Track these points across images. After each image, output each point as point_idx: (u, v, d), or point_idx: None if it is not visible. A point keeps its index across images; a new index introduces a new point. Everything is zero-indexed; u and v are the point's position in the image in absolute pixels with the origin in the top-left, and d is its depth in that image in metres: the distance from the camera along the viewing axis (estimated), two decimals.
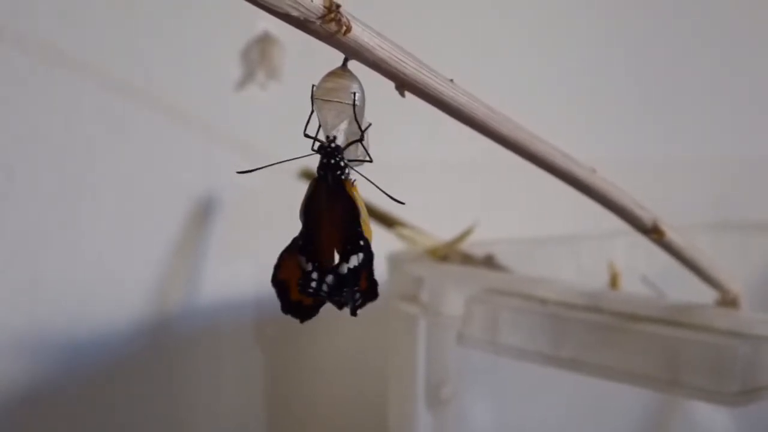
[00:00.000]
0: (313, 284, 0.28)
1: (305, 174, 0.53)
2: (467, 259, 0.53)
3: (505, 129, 0.32)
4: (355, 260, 0.28)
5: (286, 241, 0.30)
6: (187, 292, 0.62)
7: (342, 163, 0.29)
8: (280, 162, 0.31)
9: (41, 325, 0.57)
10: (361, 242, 0.28)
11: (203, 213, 0.61)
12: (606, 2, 0.80)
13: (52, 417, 0.59)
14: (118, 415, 0.60)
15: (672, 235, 0.40)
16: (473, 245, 0.54)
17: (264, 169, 0.31)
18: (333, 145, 0.28)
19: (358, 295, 0.28)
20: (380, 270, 0.52)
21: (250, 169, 0.30)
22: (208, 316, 0.62)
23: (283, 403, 0.67)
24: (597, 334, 0.42)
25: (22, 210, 0.56)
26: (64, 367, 0.58)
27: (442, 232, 0.55)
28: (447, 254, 0.53)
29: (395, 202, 0.29)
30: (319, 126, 0.29)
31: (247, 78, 0.62)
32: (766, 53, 0.90)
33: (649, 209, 0.39)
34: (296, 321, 0.30)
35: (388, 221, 0.55)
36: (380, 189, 0.29)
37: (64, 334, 0.58)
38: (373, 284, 0.29)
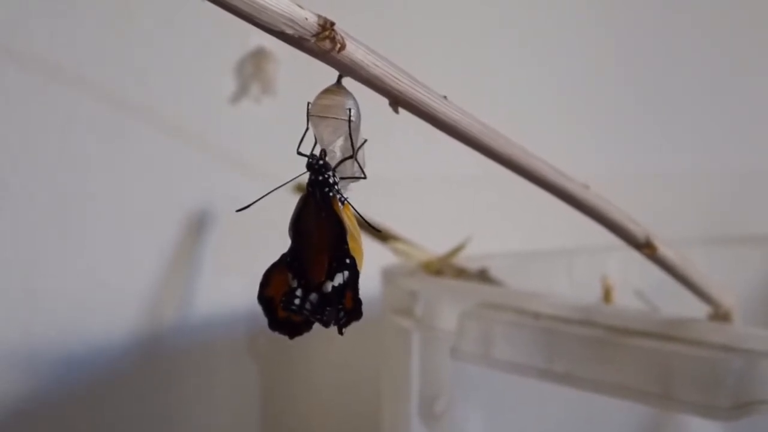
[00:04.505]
0: (296, 301, 0.28)
1: (299, 189, 0.53)
2: (461, 273, 0.53)
3: (497, 145, 0.32)
4: (340, 278, 0.28)
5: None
6: (181, 306, 0.62)
7: (331, 180, 0.28)
8: (278, 188, 0.31)
9: (35, 338, 0.57)
10: (347, 260, 0.28)
11: (197, 226, 0.61)
12: (603, 18, 0.80)
13: (45, 430, 0.58)
14: (112, 427, 0.60)
15: (664, 250, 0.40)
16: (467, 259, 0.54)
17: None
18: (321, 162, 0.28)
19: (342, 314, 0.28)
20: (374, 284, 0.53)
21: (248, 204, 0.30)
22: (201, 330, 0.62)
23: (277, 417, 0.66)
24: (590, 348, 0.42)
25: (17, 222, 0.56)
26: (58, 380, 0.58)
27: (436, 246, 0.55)
28: (441, 268, 0.53)
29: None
30: (315, 143, 0.29)
31: (241, 92, 0.62)
32: (762, 69, 0.90)
33: (641, 224, 0.39)
34: None
35: (382, 236, 0.55)
36: (358, 212, 0.29)
37: (59, 346, 0.58)
38: (358, 303, 0.28)
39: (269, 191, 0.31)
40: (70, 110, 0.57)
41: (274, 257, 0.30)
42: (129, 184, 0.59)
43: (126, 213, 0.60)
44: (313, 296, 0.28)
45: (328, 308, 0.28)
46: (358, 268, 0.28)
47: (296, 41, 0.25)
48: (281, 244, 0.29)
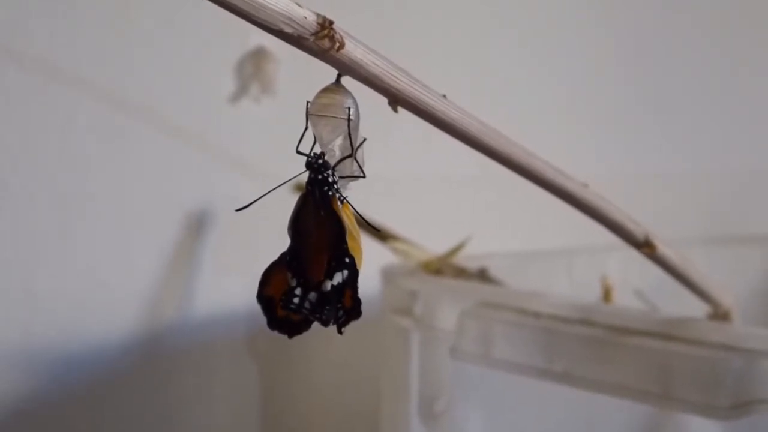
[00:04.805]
0: (296, 300, 0.28)
1: (299, 188, 0.53)
2: (461, 273, 0.53)
3: (496, 144, 0.32)
4: (339, 277, 0.28)
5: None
6: (181, 306, 0.62)
7: (330, 179, 0.28)
8: (277, 187, 0.31)
9: (35, 338, 0.57)
10: (346, 259, 0.28)
11: (197, 226, 0.61)
12: (603, 18, 0.80)
13: (45, 429, 0.58)
14: (111, 427, 0.60)
15: (664, 249, 0.40)
16: (467, 259, 0.54)
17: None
18: (320, 160, 0.28)
19: (341, 312, 0.28)
20: (374, 283, 0.53)
21: (247, 204, 0.30)
22: (201, 330, 0.62)
23: (277, 416, 0.66)
24: (590, 347, 0.42)
25: (17, 222, 0.56)
26: (58, 380, 0.58)
27: (436, 246, 0.55)
28: (440, 268, 0.53)
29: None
30: (314, 142, 0.29)
31: (241, 92, 0.62)
32: (762, 69, 0.90)
33: (641, 224, 0.39)
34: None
35: (382, 235, 0.55)
36: (357, 211, 0.29)
37: (58, 346, 0.58)
38: (357, 302, 0.28)
39: (268, 191, 0.30)
40: (70, 110, 0.57)
41: (274, 257, 0.30)
42: (129, 184, 0.59)
43: (126, 213, 0.60)
44: (312, 295, 0.28)
45: (327, 307, 0.28)
46: (358, 267, 0.28)
47: (295, 40, 0.25)
48: (281, 243, 0.29)
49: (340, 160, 0.29)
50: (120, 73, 0.59)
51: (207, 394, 0.63)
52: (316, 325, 0.30)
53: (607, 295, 0.53)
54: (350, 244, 0.28)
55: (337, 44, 0.26)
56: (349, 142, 0.28)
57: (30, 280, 0.57)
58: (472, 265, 0.54)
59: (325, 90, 0.28)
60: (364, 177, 0.29)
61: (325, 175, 0.28)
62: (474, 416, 0.50)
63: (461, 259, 0.54)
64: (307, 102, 0.28)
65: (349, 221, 0.29)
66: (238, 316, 0.63)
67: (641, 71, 0.83)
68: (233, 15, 0.24)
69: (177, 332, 0.62)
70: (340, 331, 0.28)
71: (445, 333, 0.48)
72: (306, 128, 0.29)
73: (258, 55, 0.61)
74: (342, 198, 0.29)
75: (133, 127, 0.59)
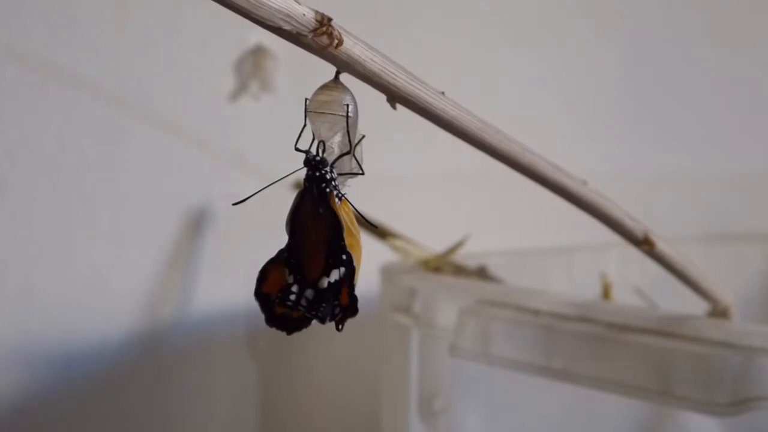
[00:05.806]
0: (292, 297, 0.28)
1: (298, 186, 0.53)
2: (460, 271, 0.53)
3: (496, 141, 0.32)
4: (336, 274, 0.28)
5: None
6: (180, 304, 0.62)
7: (327, 176, 0.28)
8: (274, 182, 0.31)
9: (34, 336, 0.57)
10: (343, 256, 0.28)
11: (196, 225, 0.61)
12: (602, 16, 0.80)
13: (45, 428, 0.59)
14: (111, 426, 0.60)
15: (663, 246, 0.40)
16: (466, 257, 0.54)
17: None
18: (318, 157, 0.28)
19: (337, 310, 0.28)
20: (373, 281, 0.53)
21: (245, 198, 0.30)
22: (200, 328, 0.62)
23: (277, 415, 0.66)
24: (589, 345, 0.42)
25: (16, 221, 0.56)
26: (57, 378, 0.58)
27: (435, 243, 0.55)
28: (440, 266, 0.53)
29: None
30: (313, 139, 0.29)
31: (240, 90, 0.62)
32: (763, 69, 0.90)
33: (640, 221, 0.39)
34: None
35: (381, 233, 0.55)
36: (356, 209, 0.29)
37: (57, 345, 0.58)
38: (354, 299, 0.28)
39: (266, 185, 0.31)
40: (69, 110, 0.57)
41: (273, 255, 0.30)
42: (128, 183, 0.59)
43: (125, 211, 0.60)
44: (309, 292, 0.28)
45: (323, 304, 0.28)
46: (356, 264, 0.28)
47: (294, 37, 0.25)
48: (281, 242, 0.29)
49: (339, 157, 0.29)
50: (120, 73, 0.59)
51: (207, 392, 0.63)
52: (315, 322, 0.30)
53: (606, 292, 0.53)
54: (349, 241, 0.28)
55: (336, 41, 0.26)
56: (347, 139, 0.28)
57: (29, 279, 0.57)
58: (471, 262, 0.54)
59: (324, 87, 0.28)
60: (362, 174, 0.29)
61: (323, 172, 0.28)
62: (473, 413, 0.50)
63: (460, 257, 0.54)
64: (306, 99, 0.28)
65: (347, 218, 0.29)
66: (237, 314, 0.63)
67: (641, 69, 0.83)
68: (232, 13, 0.24)
69: (176, 331, 0.62)
70: (338, 328, 0.28)
71: (444, 331, 0.48)
72: (304, 125, 0.29)
73: (257, 53, 0.61)
74: (340, 195, 0.29)
75: (132, 126, 0.59)
